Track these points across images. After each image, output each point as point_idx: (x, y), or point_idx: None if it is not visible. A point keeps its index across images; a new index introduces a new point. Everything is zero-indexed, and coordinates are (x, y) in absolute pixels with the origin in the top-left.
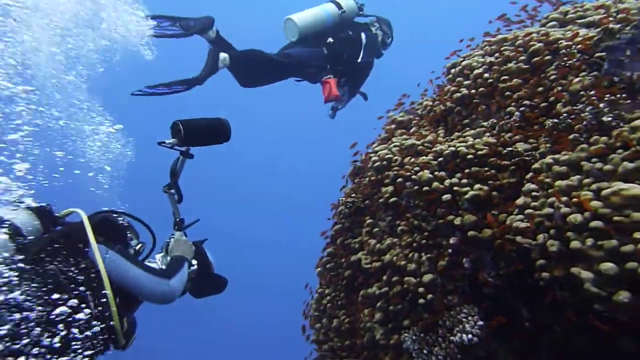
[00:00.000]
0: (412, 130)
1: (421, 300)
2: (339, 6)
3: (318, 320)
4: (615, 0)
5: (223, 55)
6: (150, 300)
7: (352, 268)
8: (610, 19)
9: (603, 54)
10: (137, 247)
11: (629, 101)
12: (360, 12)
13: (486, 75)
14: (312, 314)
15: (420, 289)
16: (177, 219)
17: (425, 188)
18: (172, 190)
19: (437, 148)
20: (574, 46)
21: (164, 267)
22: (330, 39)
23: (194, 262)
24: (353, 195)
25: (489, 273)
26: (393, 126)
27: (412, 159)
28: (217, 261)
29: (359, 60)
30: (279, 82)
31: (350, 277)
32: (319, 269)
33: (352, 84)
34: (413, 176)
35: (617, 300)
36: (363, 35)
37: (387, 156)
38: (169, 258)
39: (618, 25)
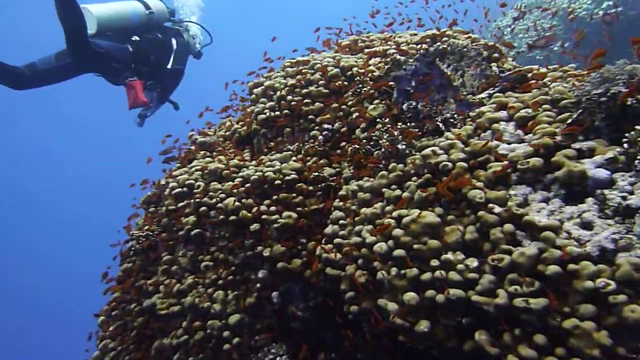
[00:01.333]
0: (215, 152)
1: (226, 346)
2: (146, 6)
3: None
4: (395, 34)
5: None
6: None
7: (144, 315)
8: (394, 50)
9: (392, 83)
10: None
11: (417, 130)
12: (172, 18)
13: (289, 97)
14: None
15: (226, 333)
16: None
17: (232, 217)
18: None
19: (243, 173)
20: (366, 74)
21: None
22: (136, 37)
23: None
24: (146, 227)
25: (297, 306)
26: (194, 147)
27: (217, 185)
28: None
29: (169, 66)
30: (70, 78)
31: (142, 326)
32: (101, 317)
33: (162, 90)
34: (219, 204)
35: (418, 330)
36: (174, 41)
37: (188, 182)
38: None
39: (404, 57)
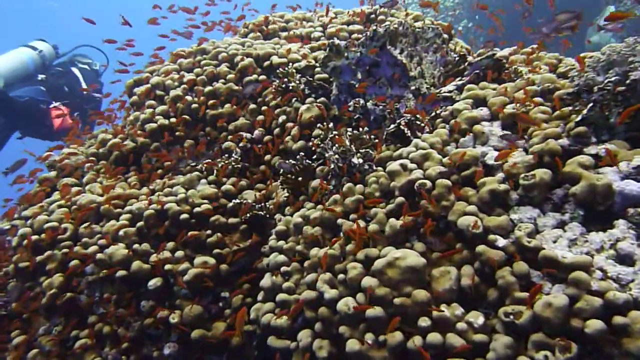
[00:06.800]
0: (86, 179)
1: None
2: (33, 48)
3: None
4: (316, 13)
5: None
6: None
7: None
8: (319, 33)
9: (329, 76)
10: None
11: (373, 137)
12: (57, 54)
13: (188, 97)
14: None
15: None
16: None
17: (121, 272)
18: None
19: (132, 207)
20: (291, 64)
21: None
22: (42, 76)
23: None
24: None
25: None
26: (52, 173)
27: (93, 227)
28: None
29: (85, 93)
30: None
31: None
32: None
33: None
34: (98, 255)
35: None
36: (74, 70)
37: (47, 225)
38: None
39: (344, 42)
